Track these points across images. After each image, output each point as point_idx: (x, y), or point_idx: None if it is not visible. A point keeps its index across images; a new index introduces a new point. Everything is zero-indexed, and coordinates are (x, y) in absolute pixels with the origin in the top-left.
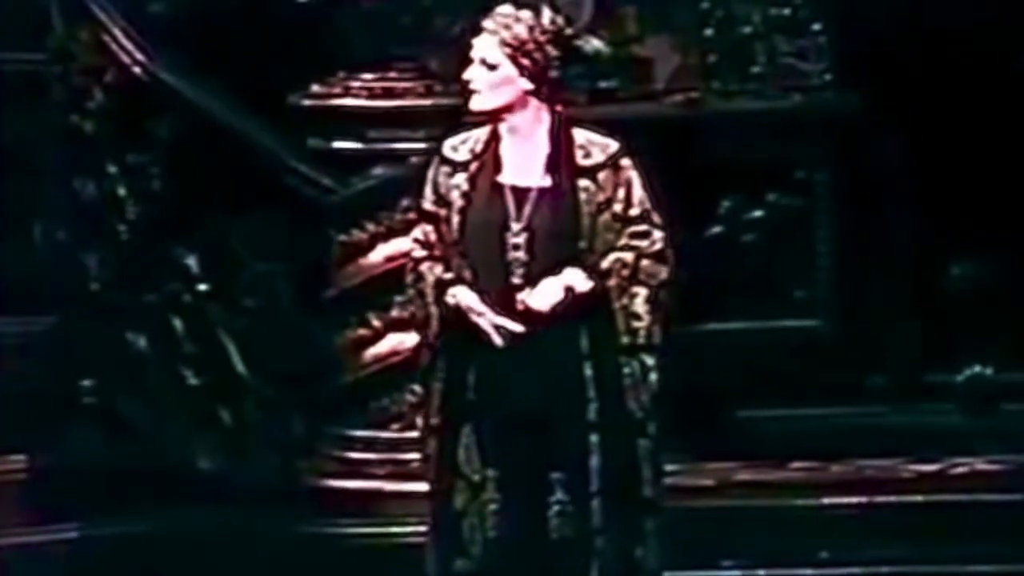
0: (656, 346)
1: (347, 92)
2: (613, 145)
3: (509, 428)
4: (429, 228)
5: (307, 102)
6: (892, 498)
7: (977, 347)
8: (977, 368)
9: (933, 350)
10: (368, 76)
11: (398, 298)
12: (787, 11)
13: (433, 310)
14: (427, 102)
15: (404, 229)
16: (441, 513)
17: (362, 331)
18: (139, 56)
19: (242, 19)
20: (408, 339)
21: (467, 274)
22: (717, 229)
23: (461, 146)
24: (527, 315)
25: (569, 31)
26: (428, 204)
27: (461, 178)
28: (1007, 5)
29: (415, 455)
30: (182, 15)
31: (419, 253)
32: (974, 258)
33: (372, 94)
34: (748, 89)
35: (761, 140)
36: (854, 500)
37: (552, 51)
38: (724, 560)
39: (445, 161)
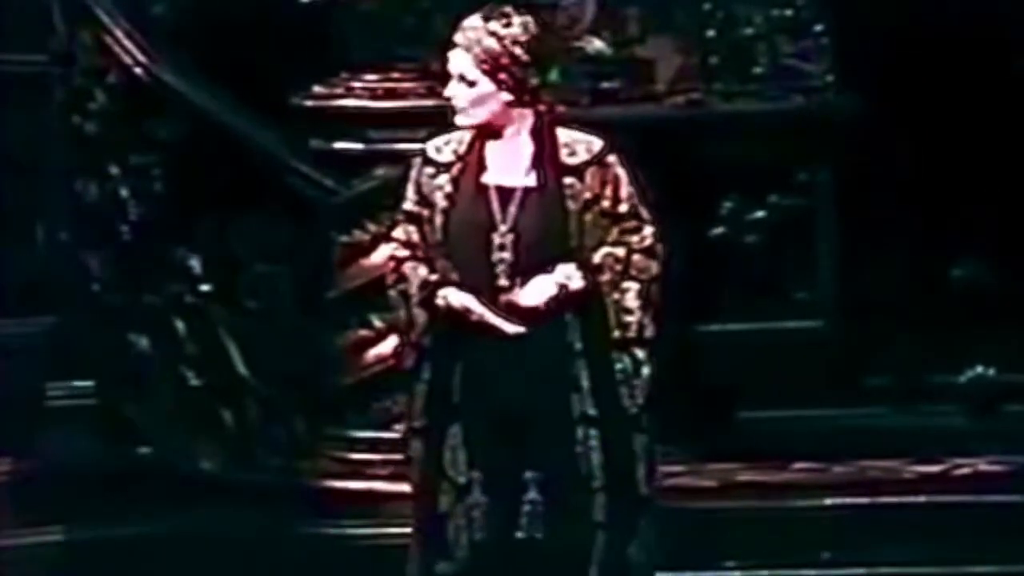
0: (648, 340)
1: (349, 93)
2: (597, 143)
3: (495, 429)
4: (412, 229)
5: (309, 103)
6: (894, 499)
7: (979, 348)
8: (979, 369)
9: (935, 351)
10: (370, 77)
11: None
12: (789, 12)
13: (417, 311)
14: (429, 103)
15: None
16: (425, 515)
17: (364, 332)
18: (141, 57)
19: (244, 20)
20: None
21: (452, 275)
22: (719, 230)
23: (445, 147)
24: (516, 313)
25: (541, 34)
26: (411, 205)
27: (444, 179)
28: (1008, 6)
29: None
30: (184, 16)
31: (401, 253)
32: (975, 259)
33: (374, 95)
34: (750, 90)
35: (763, 141)
36: (857, 501)
37: (527, 59)
38: (726, 561)
39: (428, 162)
